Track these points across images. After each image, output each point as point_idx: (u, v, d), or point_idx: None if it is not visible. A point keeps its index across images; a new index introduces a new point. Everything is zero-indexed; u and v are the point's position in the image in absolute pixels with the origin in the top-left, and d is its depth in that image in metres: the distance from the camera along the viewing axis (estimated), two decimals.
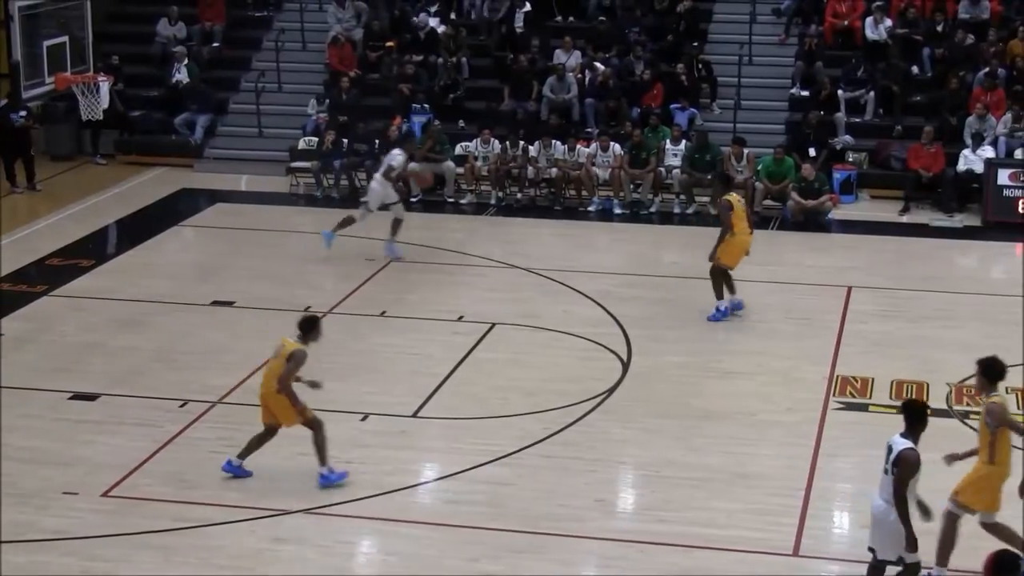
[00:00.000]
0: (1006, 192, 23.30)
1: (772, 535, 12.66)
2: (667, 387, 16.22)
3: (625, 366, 16.86)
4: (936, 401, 15.64)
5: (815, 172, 23.77)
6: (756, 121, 26.51)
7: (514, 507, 13.26)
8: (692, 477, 13.82)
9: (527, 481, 13.78)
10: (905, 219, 23.91)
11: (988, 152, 24.21)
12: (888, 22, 27.35)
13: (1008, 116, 24.82)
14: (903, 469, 10.59)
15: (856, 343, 17.71)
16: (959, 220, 23.57)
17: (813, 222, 23.42)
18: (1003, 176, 23.41)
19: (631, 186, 24.70)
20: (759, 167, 24.26)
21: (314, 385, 13.63)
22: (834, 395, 15.93)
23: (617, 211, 24.37)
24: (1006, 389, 15.75)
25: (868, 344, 17.66)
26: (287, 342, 13.49)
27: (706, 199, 23.97)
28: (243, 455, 13.75)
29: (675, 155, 24.89)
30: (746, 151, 24.27)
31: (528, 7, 28.90)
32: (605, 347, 17.41)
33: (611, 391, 16.04)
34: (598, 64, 27.43)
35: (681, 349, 17.46)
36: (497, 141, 25.32)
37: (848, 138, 25.87)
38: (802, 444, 14.58)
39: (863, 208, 24.58)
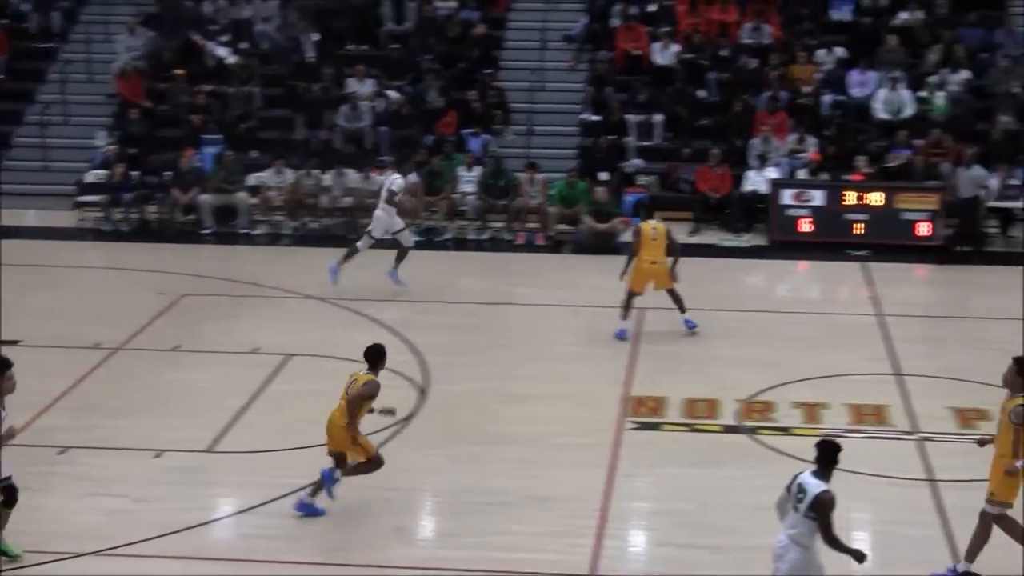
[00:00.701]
0: (789, 212, 23.95)
1: (569, 556, 12.75)
2: (464, 413, 16.26)
3: (423, 393, 16.88)
4: (726, 418, 16.01)
5: (607, 196, 24.14)
6: (548, 146, 26.86)
7: (311, 540, 13.14)
8: (490, 502, 13.87)
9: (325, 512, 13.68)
10: (695, 240, 24.40)
11: (772, 173, 24.87)
12: (675, 47, 27.94)
13: (791, 137, 25.54)
14: (824, 513, 10.58)
15: (649, 363, 18.00)
16: (746, 240, 24.17)
17: (606, 245, 23.76)
18: (787, 196, 24.07)
19: (426, 213, 24.79)
20: (552, 191, 24.55)
21: (388, 412, 13.71)
22: (628, 415, 16.16)
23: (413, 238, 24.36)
24: (791, 403, 16.28)
25: (661, 364, 17.97)
26: (359, 376, 13.42)
27: (500, 225, 24.22)
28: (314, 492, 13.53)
29: (469, 181, 25.06)
30: (539, 176, 24.55)
31: (318, 36, 28.82)
32: (403, 375, 17.39)
33: (409, 419, 16.03)
34: (391, 92, 27.48)
35: (478, 375, 17.54)
36: (291, 170, 25.18)
37: (638, 161, 26.36)
38: (598, 465, 14.73)
39: None
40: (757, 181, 24.83)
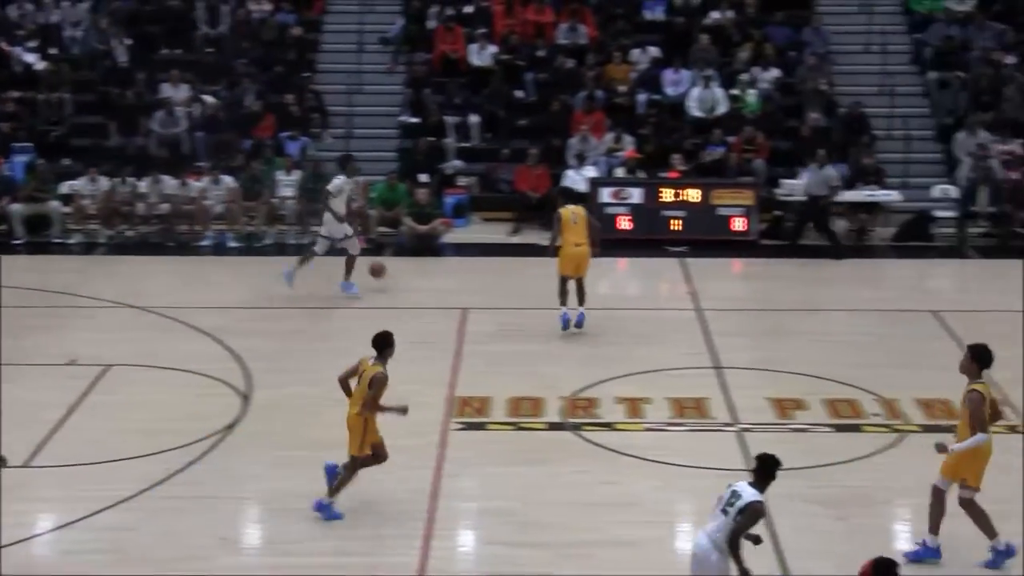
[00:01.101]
0: (608, 210, 24.23)
1: (398, 559, 12.75)
2: (289, 419, 16.14)
3: (246, 400, 16.71)
4: (550, 415, 16.14)
5: (427, 197, 24.18)
6: (368, 149, 26.75)
7: (137, 552, 12.93)
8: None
9: (149, 524, 13.47)
10: (516, 240, 24.58)
11: (591, 172, 25.14)
12: (492, 49, 28.09)
13: (608, 136, 25.85)
14: (748, 519, 10.70)
15: (474, 363, 18.07)
16: None
17: (427, 247, 23.82)
18: (605, 194, 24.36)
19: (245, 218, 24.55)
20: (372, 194, 24.51)
21: (400, 411, 13.33)
22: (454, 416, 16.20)
23: (232, 244, 24.17)
24: (614, 399, 16.49)
25: (485, 364, 18.05)
26: (366, 365, 13.36)
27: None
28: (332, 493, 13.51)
29: (288, 186, 24.88)
30: (359, 179, 24.46)
31: (130, 40, 28.34)
32: (225, 382, 17.20)
33: (232, 426, 15.87)
34: (207, 97, 27.14)
35: (302, 380, 17.39)
36: (105, 178, 24.73)
37: (458, 163, 26.44)
38: (424, 466, 14.74)
39: (475, 231, 25.16)
40: (576, 180, 25.06)
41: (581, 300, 19.21)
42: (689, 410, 16.37)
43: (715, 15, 28.85)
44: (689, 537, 13.60)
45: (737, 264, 23.47)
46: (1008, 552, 12.65)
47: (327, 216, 20.94)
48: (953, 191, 24.83)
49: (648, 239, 23.74)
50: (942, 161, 26.26)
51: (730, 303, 20.86)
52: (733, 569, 10.70)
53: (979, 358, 12.79)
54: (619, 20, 29.01)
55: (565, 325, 19.07)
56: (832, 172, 24.00)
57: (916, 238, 24.14)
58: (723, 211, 24.13)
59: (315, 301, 20.96)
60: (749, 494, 10.85)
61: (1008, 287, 21.72)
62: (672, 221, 24.10)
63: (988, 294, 21.54)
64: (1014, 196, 24.13)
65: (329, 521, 13.41)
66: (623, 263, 23.39)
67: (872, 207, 24.50)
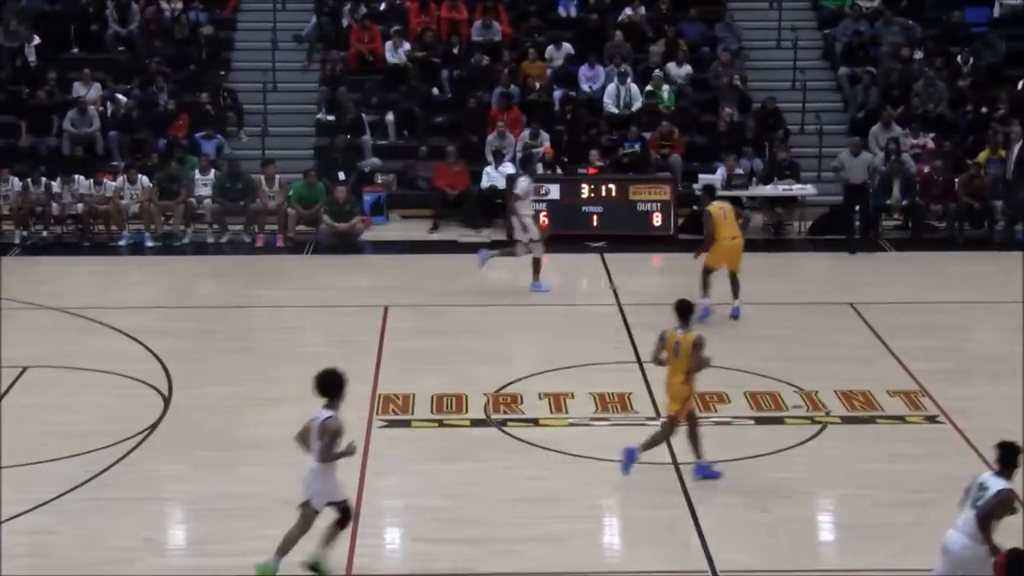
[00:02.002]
0: None
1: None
2: (212, 419, 16.02)
3: (167, 401, 16.57)
4: (474, 412, 16.15)
5: (346, 195, 24.11)
6: (284, 147, 26.64)
7: (60, 556, 12.77)
8: (241, 507, 13.69)
9: (71, 527, 13.31)
10: (435, 236, 24.57)
11: (509, 168, 25.18)
12: (407, 46, 28.04)
13: (525, 133, 25.89)
14: (1001, 507, 10.64)
15: (396, 361, 18.03)
16: (486, 235, 24.40)
17: (346, 244, 23.75)
18: None
19: (162, 218, 24.34)
20: (290, 193, 24.39)
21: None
22: (377, 414, 16.16)
23: (149, 244, 23.96)
24: (538, 394, 16.48)
25: (407, 361, 18.01)
26: (679, 337, 14.12)
27: (239, 228, 24.04)
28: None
29: (205, 185, 24.69)
30: (277, 177, 24.37)
31: (38, 40, 27.96)
32: (145, 383, 17.05)
33: (154, 427, 15.72)
34: (120, 96, 26.87)
35: (225, 379, 17.31)
36: (17, 179, 24.39)
37: (375, 160, 26.37)
38: (349, 465, 14.61)
39: (394, 228, 25.12)
40: (494, 176, 25.12)
41: (736, 292, 19.58)
42: (613, 404, 16.44)
43: (628, 11, 28.98)
44: (614, 531, 13.80)
45: (656, 258, 23.58)
46: None
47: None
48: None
49: (567, 235, 23.79)
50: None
51: (650, 297, 20.90)
52: (982, 565, 10.56)
53: (681, 311, 14.10)
54: (533, 17, 29.07)
55: (705, 315, 19.08)
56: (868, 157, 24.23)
57: (832, 231, 24.37)
58: (641, 206, 24.25)
59: (234, 300, 20.83)
60: (997, 484, 10.76)
61: (921, 279, 22.05)
62: (591, 216, 24.18)
63: (902, 286, 21.81)
64: (926, 189, 24.44)
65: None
66: (542, 259, 23.38)
67: (788, 201, 24.73)
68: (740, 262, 19.66)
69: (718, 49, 28.12)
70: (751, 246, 23.63)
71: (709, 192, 20.72)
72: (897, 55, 27.59)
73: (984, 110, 26.41)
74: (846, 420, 16.00)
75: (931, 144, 25.53)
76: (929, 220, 24.52)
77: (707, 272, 19.63)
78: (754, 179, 24.92)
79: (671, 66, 27.59)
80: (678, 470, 14.50)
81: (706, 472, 14.20)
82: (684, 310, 14.37)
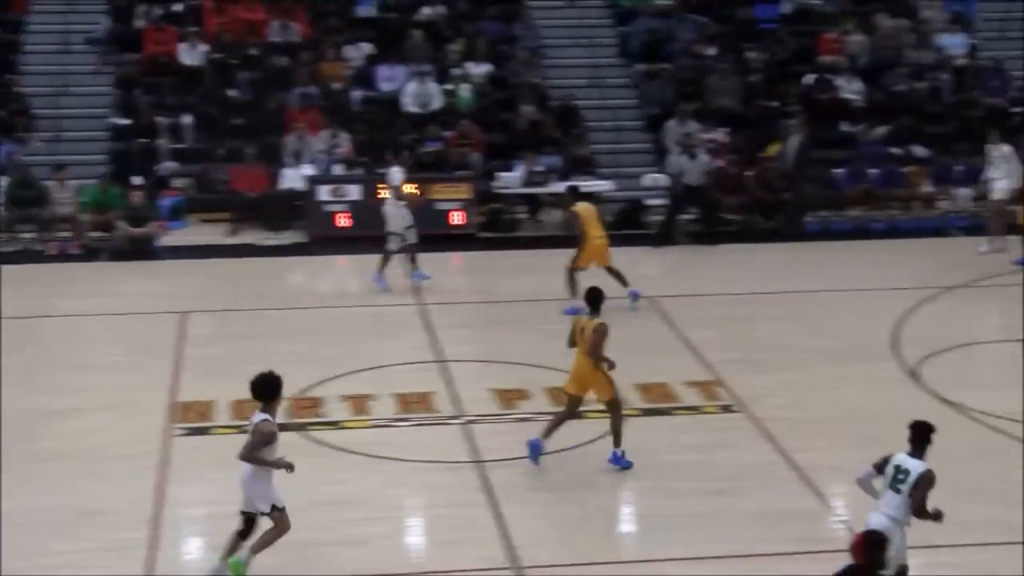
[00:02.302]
0: (327, 208, 24.16)
1: (122, 571, 12.46)
2: (7, 432, 15.54)
3: None
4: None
5: (142, 200, 23.70)
6: (77, 152, 26.05)
7: None
8: (35, 522, 13.33)
9: None
10: (234, 240, 24.28)
11: (308, 170, 25.01)
12: (203, 47, 27.66)
13: (325, 134, 25.73)
14: (924, 489, 10.86)
15: (195, 367, 17.78)
16: (286, 238, 24.21)
17: (143, 250, 23.34)
18: (323, 192, 24.26)
19: None
20: (84, 198, 23.90)
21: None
22: (176, 422, 15.91)
23: None
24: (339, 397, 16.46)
25: (207, 367, 17.76)
26: (585, 323, 14.37)
27: (31, 235, 23.50)
28: None
29: None
30: (70, 182, 23.85)
31: None
32: None
33: None
34: None
35: (15, 392, 16.79)
36: None
37: (172, 164, 25.96)
38: (147, 475, 14.45)
39: (193, 233, 24.76)
40: (293, 178, 24.92)
41: (623, 281, 19.95)
42: (415, 405, 16.44)
43: (427, 11, 29.01)
44: (418, 531, 13.81)
45: (457, 257, 23.64)
46: None
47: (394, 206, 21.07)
48: (663, 180, 25.53)
49: (368, 235, 23.66)
50: (652, 151, 26.99)
51: (451, 296, 21.02)
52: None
53: (591, 299, 14.39)
54: (331, 17, 28.92)
55: (573, 312, 18.96)
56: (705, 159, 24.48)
57: (629, 226, 24.72)
58: (441, 205, 24.29)
59: (27, 310, 20.31)
60: (916, 465, 11.00)
61: (717, 272, 22.48)
62: None
63: (698, 279, 22.23)
64: (720, 183, 24.94)
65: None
66: (343, 260, 23.35)
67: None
68: (608, 258, 20.05)
69: (516, 47, 28.31)
70: (550, 243, 24.01)
71: (573, 192, 20.95)
72: (691, 51, 28.10)
73: (775, 104, 27.04)
74: (645, 412, 16.24)
75: (725, 139, 26.04)
76: (724, 213, 25.00)
77: (574, 271, 19.91)
78: (553, 176, 25.12)
79: (470, 65, 27.69)
80: (481, 468, 14.56)
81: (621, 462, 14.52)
82: (594, 298, 14.60)
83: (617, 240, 24.08)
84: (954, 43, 28.75)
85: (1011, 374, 17.45)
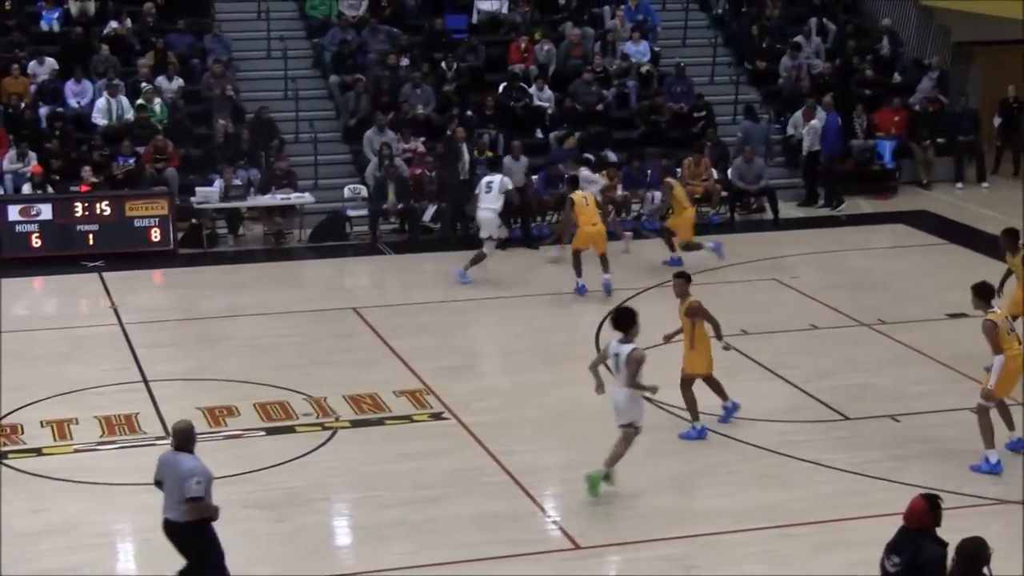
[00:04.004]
0: (18, 228, 23.31)
1: None
2: None
3: None
4: None
5: None
6: None
7: None
8: None
9: None
10: None
11: None
12: None
13: (12, 153, 24.84)
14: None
15: None
16: None
17: None
18: (13, 213, 23.40)
19: None
20: None
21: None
22: None
23: None
24: (39, 423, 15.90)
25: None
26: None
27: None
28: None
29: None
30: None
31: None
32: None
33: None
34: None
35: None
36: None
37: None
38: None
39: None
40: None
41: (606, 268, 21.15)
42: (119, 427, 16.07)
43: (114, 24, 28.32)
44: (128, 557, 13.52)
45: (157, 275, 23.15)
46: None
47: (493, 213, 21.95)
48: (363, 190, 25.57)
49: (61, 256, 23.03)
50: (350, 161, 27.00)
51: (153, 314, 20.58)
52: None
53: (981, 293, 14.90)
54: (14, 32, 27.96)
55: (581, 291, 21.09)
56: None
57: (331, 237, 24.70)
58: (139, 222, 23.72)
59: None
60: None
61: (420, 279, 22.62)
62: (87, 235, 23.45)
63: (403, 287, 22.36)
64: (419, 191, 25.11)
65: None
66: (37, 282, 22.62)
67: (287, 210, 24.86)
68: (605, 245, 21.21)
69: (208, 60, 27.93)
70: (251, 257, 23.83)
71: (573, 182, 22.30)
72: (385, 62, 28.21)
73: (470, 113, 27.38)
74: (356, 424, 16.27)
75: (421, 148, 26.24)
76: (424, 222, 25.19)
77: (577, 254, 21.23)
78: (252, 189, 24.89)
79: (162, 79, 27.17)
80: None
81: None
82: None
83: (320, 252, 24.21)
84: (638, 51, 29.65)
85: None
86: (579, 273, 21.19)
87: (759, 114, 28.36)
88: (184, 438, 11.73)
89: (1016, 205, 25.12)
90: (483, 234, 21.97)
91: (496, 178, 22.23)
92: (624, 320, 14.21)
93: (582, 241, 21.23)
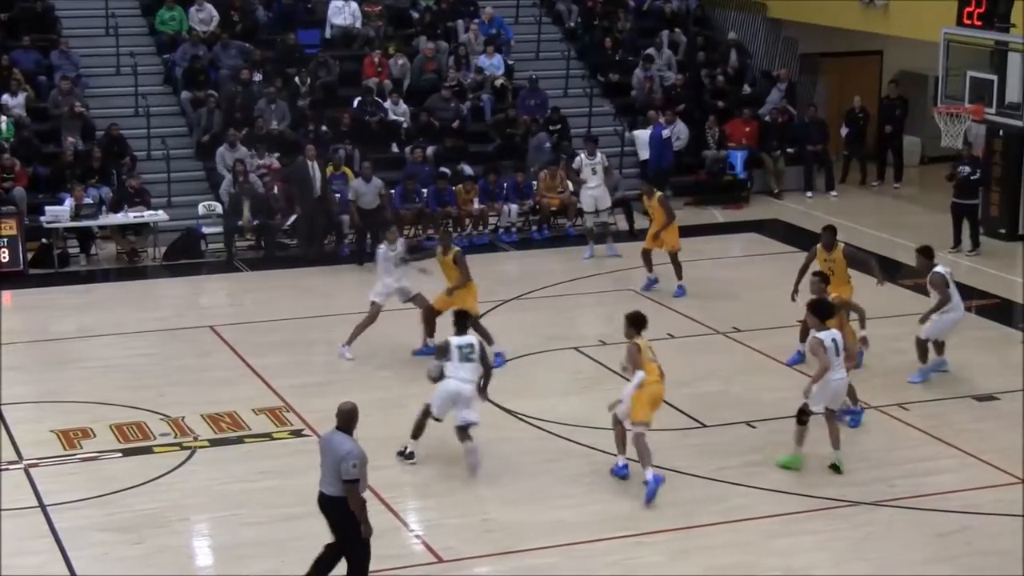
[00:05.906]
0: None
1: None
2: None
3: None
4: None
5: None
6: None
7: None
8: None
9: None
10: None
11: None
12: None
13: None
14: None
15: None
16: None
17: None
18: None
19: None
20: None
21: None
22: None
23: None
24: None
25: None
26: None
27: None
28: None
29: None
30: None
31: None
32: None
33: None
34: None
35: None
36: None
37: None
38: None
39: None
40: None
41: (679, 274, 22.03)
42: None
43: None
44: None
45: (7, 296, 22.68)
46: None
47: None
48: (217, 207, 25.31)
49: None
50: (204, 178, 26.72)
51: (4, 337, 20.15)
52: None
53: (635, 322, 14.91)
54: None
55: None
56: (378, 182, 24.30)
57: (186, 255, 24.41)
58: None
59: None
60: (473, 340, 15.24)
61: (277, 296, 22.43)
62: None
63: (259, 304, 22.12)
64: (273, 207, 24.93)
65: None
66: (7, 296, 22.13)
67: (140, 228, 24.52)
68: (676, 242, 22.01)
69: (56, 77, 27.44)
70: (104, 277, 23.48)
71: (656, 181, 23.25)
72: (237, 77, 27.97)
73: (324, 129, 27.26)
74: (215, 443, 16.11)
75: (276, 164, 26.05)
76: (278, 237, 25.02)
77: (676, 254, 21.97)
78: (104, 208, 24.51)
79: (7, 97, 26.64)
80: (46, 513, 14.10)
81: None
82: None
83: (174, 270, 23.92)
84: (492, 64, 29.78)
85: (563, 383, 18.35)
86: (650, 269, 22.32)
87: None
88: (346, 419, 12.24)
89: (864, 212, 25.66)
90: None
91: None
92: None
93: None
